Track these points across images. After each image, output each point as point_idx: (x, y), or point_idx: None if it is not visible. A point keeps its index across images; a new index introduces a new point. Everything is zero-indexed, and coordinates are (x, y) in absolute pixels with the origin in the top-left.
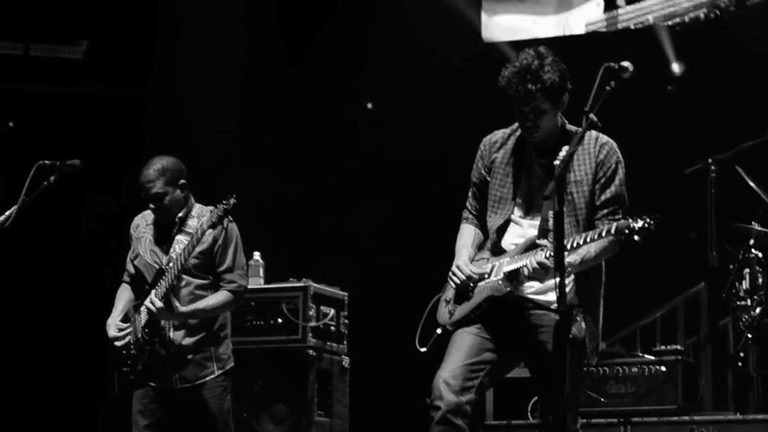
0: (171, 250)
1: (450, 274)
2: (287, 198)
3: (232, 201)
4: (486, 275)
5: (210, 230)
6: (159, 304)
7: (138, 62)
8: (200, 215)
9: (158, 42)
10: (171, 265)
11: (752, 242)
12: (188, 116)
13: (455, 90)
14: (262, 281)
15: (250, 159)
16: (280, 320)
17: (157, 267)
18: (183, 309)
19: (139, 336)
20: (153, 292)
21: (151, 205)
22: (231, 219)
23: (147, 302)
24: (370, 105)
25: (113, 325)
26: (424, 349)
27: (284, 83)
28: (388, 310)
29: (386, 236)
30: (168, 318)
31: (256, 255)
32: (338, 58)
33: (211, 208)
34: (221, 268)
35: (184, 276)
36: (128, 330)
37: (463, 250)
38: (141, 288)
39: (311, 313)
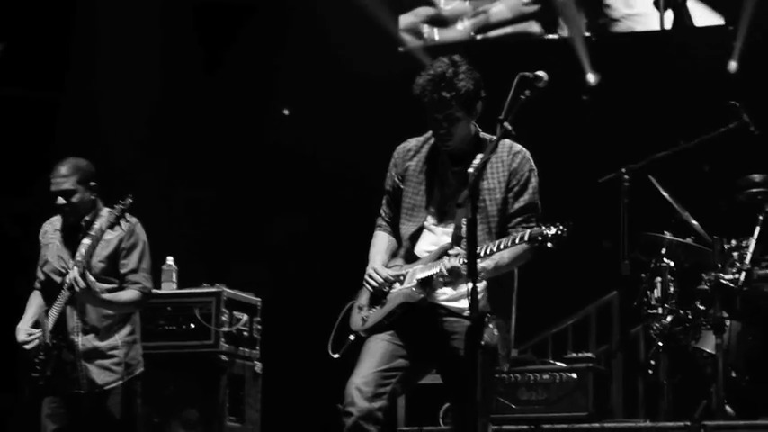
0: (77, 254)
1: (366, 277)
2: (202, 203)
3: (129, 200)
4: (402, 279)
5: (112, 232)
6: (82, 284)
7: (54, 65)
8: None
9: (75, 46)
10: (75, 268)
11: (664, 251)
12: (103, 120)
13: (370, 97)
14: (175, 285)
15: (166, 165)
16: (192, 325)
17: (64, 272)
18: (103, 295)
19: (47, 340)
20: (75, 269)
21: (60, 201)
22: (131, 220)
23: (67, 278)
24: (286, 112)
25: (23, 330)
26: (336, 355)
27: (201, 88)
28: (302, 317)
29: (301, 242)
30: (87, 300)
31: (170, 259)
32: (254, 64)
33: (110, 209)
34: (125, 270)
35: None
36: (37, 335)
37: (377, 256)
38: (51, 294)
39: (224, 318)
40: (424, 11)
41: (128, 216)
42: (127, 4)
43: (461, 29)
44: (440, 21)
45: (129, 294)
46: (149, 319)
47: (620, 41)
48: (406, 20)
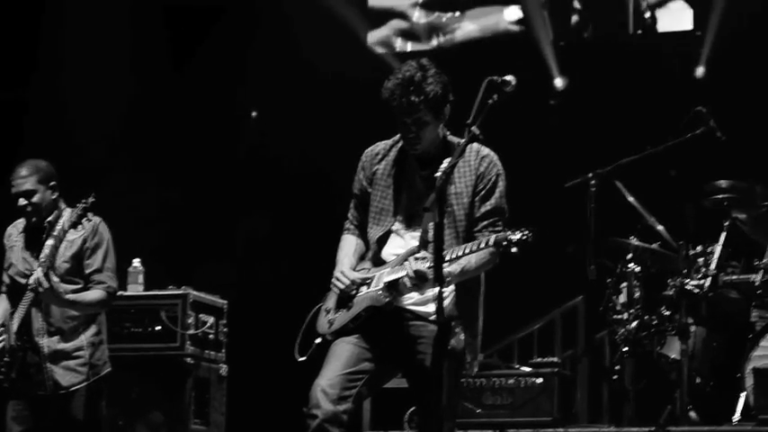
0: (41, 255)
1: (334, 280)
2: (170, 204)
3: (91, 199)
4: (369, 282)
5: (75, 232)
6: (46, 284)
7: (22, 65)
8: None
9: (42, 45)
10: (39, 269)
11: (630, 256)
12: (71, 120)
13: (338, 100)
14: (141, 287)
15: (133, 164)
16: (158, 328)
17: (28, 273)
18: (68, 296)
19: (12, 343)
20: (39, 269)
21: (21, 202)
22: (93, 218)
23: (31, 279)
24: (254, 113)
25: None
26: (302, 358)
27: (170, 89)
28: (268, 319)
29: (268, 245)
30: (51, 301)
31: (136, 261)
32: (223, 65)
33: (72, 208)
34: (90, 269)
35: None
36: (2, 338)
37: (345, 259)
38: (17, 297)
39: (190, 321)
40: (397, 23)
41: (90, 215)
42: (95, 3)
43: (435, 44)
44: (412, 35)
45: (95, 294)
46: (115, 321)
47: (588, 46)
48: (378, 33)
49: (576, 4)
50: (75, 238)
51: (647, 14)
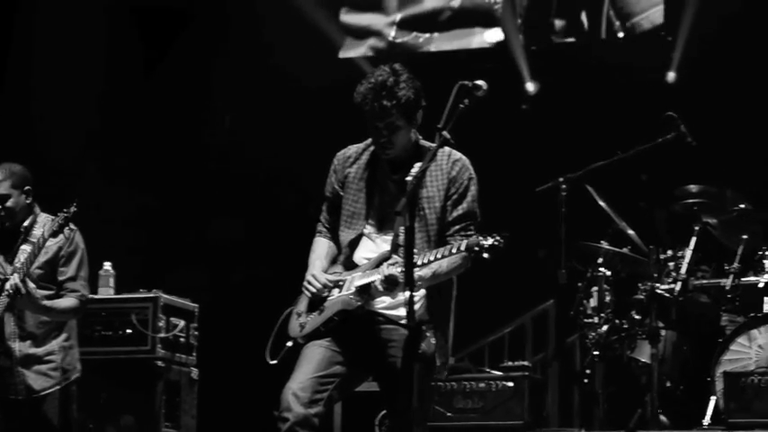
0: (15, 260)
1: (305, 283)
2: (142, 208)
3: (73, 209)
4: (341, 284)
5: (53, 239)
6: (23, 291)
7: None
8: (44, 224)
9: (13, 48)
10: (15, 275)
11: (600, 261)
12: (41, 123)
13: (310, 103)
14: (112, 291)
15: (105, 168)
16: (129, 331)
17: (2, 278)
18: (43, 302)
19: None
20: (16, 275)
21: None
22: (73, 228)
23: (8, 285)
24: (228, 118)
25: None
26: (274, 362)
27: (141, 93)
28: (240, 323)
29: (239, 248)
30: (26, 307)
31: (107, 265)
32: (194, 69)
33: (53, 216)
34: (64, 277)
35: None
36: None
37: (317, 262)
38: None
39: (161, 324)
40: (373, 42)
41: (72, 225)
42: (68, 5)
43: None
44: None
45: (68, 302)
46: (86, 325)
47: (560, 51)
48: (353, 52)
49: (551, 10)
50: (51, 245)
51: (619, 19)
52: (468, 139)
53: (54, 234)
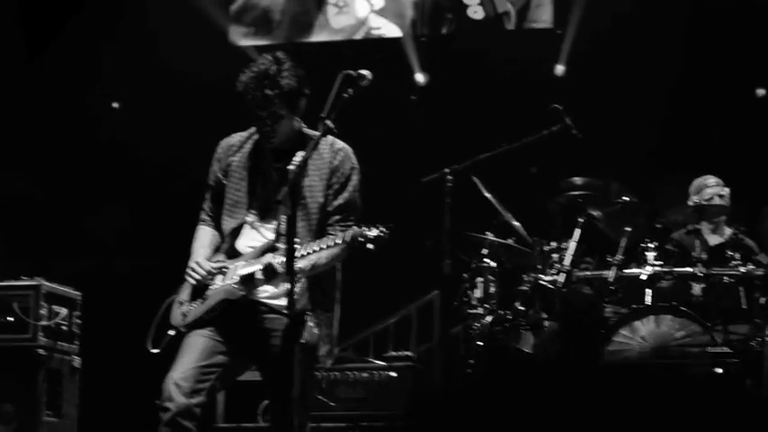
0: None
1: (188, 270)
2: (26, 197)
3: None
4: (225, 272)
5: None
6: None
7: None
8: None
9: None
10: None
11: (485, 252)
12: None
13: (200, 94)
14: None
15: None
16: (10, 319)
17: None
18: None
19: None
20: None
21: None
22: None
23: None
24: (115, 105)
25: None
26: (156, 350)
27: (25, 80)
28: (123, 311)
29: (123, 237)
30: None
31: None
32: (81, 56)
33: None
34: None
35: None
36: None
37: (200, 250)
38: None
39: (43, 312)
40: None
41: None
42: None
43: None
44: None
45: None
46: None
47: (450, 42)
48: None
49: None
50: None
51: (508, 11)
52: (355, 129)
53: None
